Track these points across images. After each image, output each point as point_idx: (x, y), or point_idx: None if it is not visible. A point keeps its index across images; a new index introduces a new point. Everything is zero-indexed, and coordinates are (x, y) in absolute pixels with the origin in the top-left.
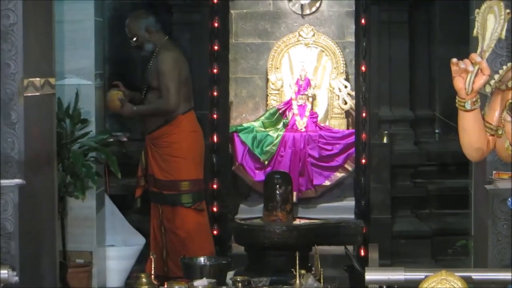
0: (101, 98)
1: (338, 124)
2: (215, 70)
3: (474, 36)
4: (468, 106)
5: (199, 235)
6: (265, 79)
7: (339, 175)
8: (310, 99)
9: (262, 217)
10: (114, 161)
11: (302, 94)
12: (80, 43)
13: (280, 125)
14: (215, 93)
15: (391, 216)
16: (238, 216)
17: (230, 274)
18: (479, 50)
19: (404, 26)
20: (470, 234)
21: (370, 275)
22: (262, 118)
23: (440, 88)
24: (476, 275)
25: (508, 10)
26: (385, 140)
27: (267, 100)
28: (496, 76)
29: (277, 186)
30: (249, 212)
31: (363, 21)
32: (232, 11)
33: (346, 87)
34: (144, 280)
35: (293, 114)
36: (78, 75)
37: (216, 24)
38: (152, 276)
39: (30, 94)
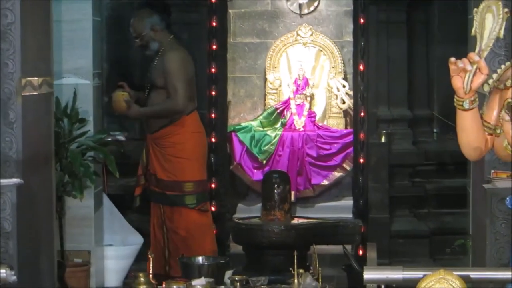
0: (99, 97)
1: (336, 123)
2: (213, 70)
3: (473, 35)
4: (466, 105)
5: (202, 235)
6: (263, 78)
7: (337, 174)
8: (308, 98)
9: (260, 217)
10: (112, 161)
11: (300, 94)
12: (78, 42)
13: (278, 125)
14: (213, 93)
15: (389, 215)
16: (236, 215)
17: (228, 274)
18: (477, 49)
19: (402, 25)
20: (468, 234)
21: (368, 274)
22: (260, 117)
23: (438, 87)
24: (475, 274)
25: (506, 10)
26: (383, 140)
27: (265, 100)
28: (495, 75)
29: (275, 185)
30: (247, 212)
31: (361, 20)
32: (230, 11)
33: (344, 86)
34: (142, 279)
35: (291, 113)
36: (76, 74)
37: (214, 24)
38: (150, 275)
39: (28, 94)
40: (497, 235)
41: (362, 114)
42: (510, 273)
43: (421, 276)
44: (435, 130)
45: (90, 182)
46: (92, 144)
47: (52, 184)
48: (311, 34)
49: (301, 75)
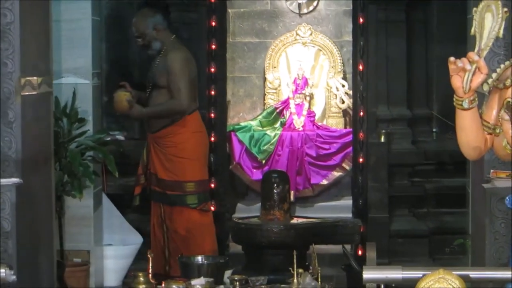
0: (98, 97)
1: (336, 123)
2: (212, 69)
3: (472, 35)
4: (465, 105)
5: (202, 235)
6: (263, 78)
7: (336, 174)
8: (308, 98)
9: (259, 216)
10: (112, 160)
11: (299, 93)
12: (77, 42)
13: (278, 124)
14: (212, 92)
15: (388, 215)
16: (235, 215)
17: (227, 273)
18: (476, 48)
19: (401, 25)
20: (467, 233)
21: (367, 274)
22: (260, 117)
23: (437, 87)
24: (474, 274)
25: (505, 9)
26: (382, 139)
27: (264, 99)
28: (494, 75)
29: (275, 185)
30: (247, 211)
31: (360, 20)
32: (229, 10)
33: (343, 86)
34: (141, 279)
35: (291, 113)
36: (76, 74)
37: (213, 23)
38: (150, 275)
39: (27, 93)
40: (497, 235)
41: (361, 113)
42: (509, 272)
43: (421, 275)
44: (434, 130)
45: (90, 182)
46: (92, 143)
47: (51, 183)
48: (311, 34)
49: (301, 75)
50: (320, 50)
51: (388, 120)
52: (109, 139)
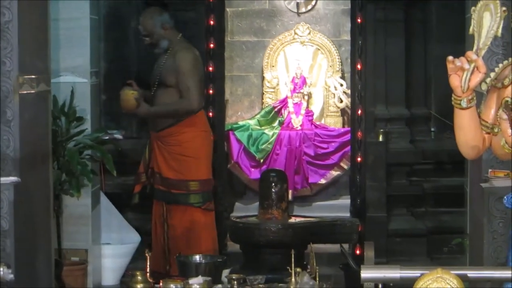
0: (96, 96)
1: (334, 122)
2: (210, 68)
3: (470, 34)
4: (464, 104)
5: (205, 234)
6: (261, 77)
7: (334, 173)
8: (306, 97)
9: (257, 215)
10: (110, 159)
11: (297, 92)
12: (75, 41)
13: (276, 123)
14: (210, 91)
15: (386, 214)
16: (233, 214)
17: (225, 272)
18: (475, 48)
19: (400, 24)
20: (465, 233)
21: (365, 273)
22: (258, 116)
23: (436, 86)
24: (472, 273)
25: (504, 8)
26: (380, 138)
27: (262, 98)
28: (492, 74)
29: (273, 184)
30: (245, 210)
31: (359, 19)
32: (227, 9)
33: (341, 85)
34: (139, 278)
35: (289, 112)
36: (74, 73)
37: (211, 22)
38: (148, 274)
39: (25, 92)
40: (495, 234)
41: (359, 113)
42: (508, 272)
43: (419, 275)
44: (432, 129)
45: (88, 181)
46: (90, 142)
47: (49, 182)
48: (309, 33)
49: (299, 74)
50: (319, 49)
51: (386, 120)
52: (107, 138)
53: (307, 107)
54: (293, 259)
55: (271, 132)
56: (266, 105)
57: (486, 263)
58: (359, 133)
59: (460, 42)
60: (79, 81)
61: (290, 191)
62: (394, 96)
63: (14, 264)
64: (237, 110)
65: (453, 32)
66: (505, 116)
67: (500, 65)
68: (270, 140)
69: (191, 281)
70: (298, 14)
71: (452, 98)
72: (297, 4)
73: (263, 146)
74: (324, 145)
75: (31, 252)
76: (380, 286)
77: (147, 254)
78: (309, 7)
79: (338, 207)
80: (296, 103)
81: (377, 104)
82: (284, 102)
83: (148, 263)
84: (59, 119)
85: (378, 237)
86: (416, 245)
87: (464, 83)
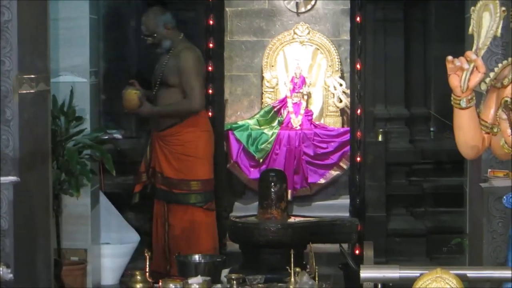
0: (96, 95)
1: (333, 122)
2: (210, 68)
3: (470, 34)
4: (463, 104)
5: (206, 234)
6: (260, 77)
7: (334, 173)
8: (305, 97)
9: (257, 215)
10: (109, 159)
11: (297, 92)
12: (74, 40)
13: (275, 123)
14: (210, 91)
15: (386, 214)
16: (233, 214)
17: (225, 272)
18: (474, 48)
19: (399, 24)
20: (465, 232)
21: (365, 273)
22: (257, 116)
23: (435, 86)
24: (471, 273)
25: (503, 8)
26: (380, 138)
27: (262, 98)
28: (492, 74)
29: (272, 184)
30: (244, 210)
31: (358, 19)
32: (227, 9)
33: (341, 85)
34: (138, 277)
35: (288, 112)
36: (73, 72)
37: (211, 22)
38: (147, 273)
39: (25, 92)
40: (494, 234)
41: (359, 112)
42: (507, 272)
43: (418, 275)
44: (432, 129)
45: (87, 180)
46: (89, 142)
47: (48, 182)
48: (308, 33)
49: (298, 74)
50: (318, 49)
51: (386, 119)
52: (106, 137)
53: (307, 107)
54: (292, 259)
55: (270, 132)
56: (266, 105)
57: (485, 263)
58: (358, 133)
59: (460, 42)
60: (79, 80)
61: (289, 191)
62: (394, 96)
63: (14, 263)
64: (237, 109)
65: (452, 32)
66: (504, 116)
67: (500, 65)
68: (270, 140)
69: (190, 280)
70: (298, 14)
71: (452, 98)
72: (297, 4)
73: (263, 146)
74: (324, 145)
75: (30, 252)
76: (379, 286)
77: (146, 254)
78: (309, 6)
79: (338, 207)
80: (296, 103)
81: (376, 104)
82: (283, 102)
83: (147, 263)
84: (58, 118)
85: (378, 237)
86: (416, 245)
87: (463, 83)
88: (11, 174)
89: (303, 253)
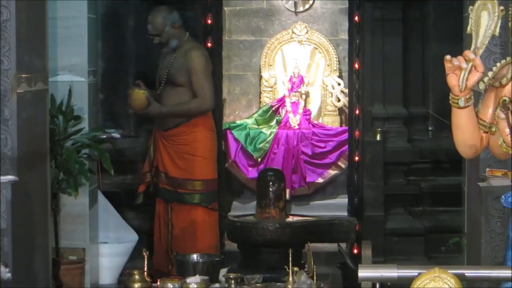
0: (94, 95)
1: (331, 121)
2: None
3: (468, 33)
4: (461, 103)
5: (209, 234)
6: (258, 76)
7: (332, 172)
8: (303, 96)
9: (255, 214)
10: (107, 158)
11: (295, 91)
12: (73, 40)
13: (273, 122)
14: None
15: (384, 213)
16: (231, 213)
17: (223, 271)
18: (472, 47)
19: (397, 23)
20: (463, 232)
21: (363, 272)
22: (255, 115)
23: (433, 85)
24: (469, 273)
25: (501, 7)
26: (378, 138)
27: (260, 97)
28: (490, 73)
29: (270, 183)
30: (242, 209)
31: (356, 18)
32: (225, 8)
33: (339, 84)
34: (137, 277)
35: (286, 111)
36: (71, 71)
37: (209, 21)
38: (145, 273)
39: (23, 91)
40: (492, 233)
41: (357, 112)
42: (505, 271)
43: (416, 274)
44: (430, 128)
45: (85, 180)
46: (87, 141)
47: (47, 181)
48: (306, 32)
49: (296, 73)
50: (316, 48)
51: (384, 119)
52: (104, 137)
53: (305, 106)
54: (290, 258)
55: (268, 131)
56: (264, 104)
57: (483, 263)
58: (356, 132)
59: (458, 41)
60: (77, 80)
61: (287, 190)
62: (392, 95)
63: (12, 263)
64: (235, 109)
65: (451, 31)
66: (502, 115)
67: (498, 64)
68: (268, 139)
69: (188, 280)
70: (296, 13)
71: (450, 97)
72: (295, 3)
73: (261, 145)
74: (322, 144)
75: (28, 251)
76: (377, 285)
77: (144, 253)
78: (307, 6)
79: (336, 206)
80: (294, 102)
81: (374, 103)
82: (281, 101)
83: (145, 262)
84: (56, 118)
85: (376, 236)
86: (414, 244)
87: (461, 82)
88: (9, 173)
89: (301, 253)
